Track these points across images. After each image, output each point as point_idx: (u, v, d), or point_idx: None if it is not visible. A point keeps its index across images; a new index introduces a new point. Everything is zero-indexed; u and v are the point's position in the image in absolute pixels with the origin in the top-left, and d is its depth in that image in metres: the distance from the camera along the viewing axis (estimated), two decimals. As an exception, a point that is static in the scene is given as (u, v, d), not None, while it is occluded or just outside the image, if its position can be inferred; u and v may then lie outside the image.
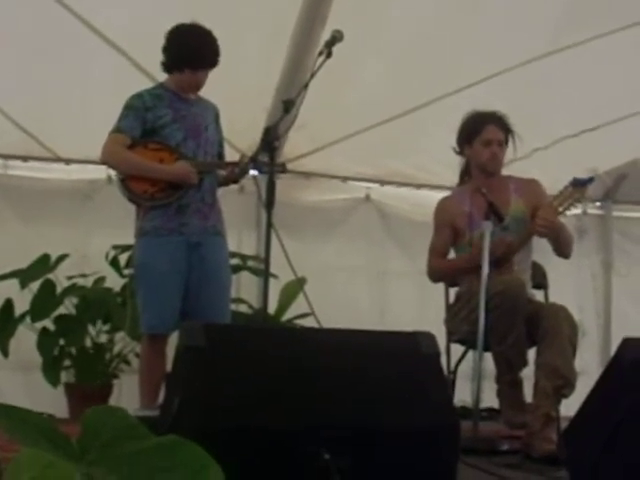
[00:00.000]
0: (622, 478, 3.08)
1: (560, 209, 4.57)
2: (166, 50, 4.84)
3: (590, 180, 4.67)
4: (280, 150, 5.72)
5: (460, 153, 5.07)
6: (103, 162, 4.95)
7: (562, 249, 4.85)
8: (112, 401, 5.99)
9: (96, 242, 6.31)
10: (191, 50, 4.77)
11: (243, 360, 3.12)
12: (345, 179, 7.29)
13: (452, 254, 5.07)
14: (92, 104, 5.99)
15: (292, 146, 6.53)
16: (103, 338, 6.22)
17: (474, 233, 4.79)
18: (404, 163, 7.21)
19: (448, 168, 6.52)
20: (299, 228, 6.68)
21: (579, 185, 4.55)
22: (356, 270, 7.20)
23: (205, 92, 4.94)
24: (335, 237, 7.23)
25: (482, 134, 4.91)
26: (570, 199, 4.56)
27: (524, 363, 4.60)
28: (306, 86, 4.30)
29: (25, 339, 6.02)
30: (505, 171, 5.04)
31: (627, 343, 3.30)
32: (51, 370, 5.95)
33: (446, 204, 5.09)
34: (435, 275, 5.04)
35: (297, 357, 3.22)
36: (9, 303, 6.00)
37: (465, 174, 5.11)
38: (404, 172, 7.30)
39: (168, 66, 4.86)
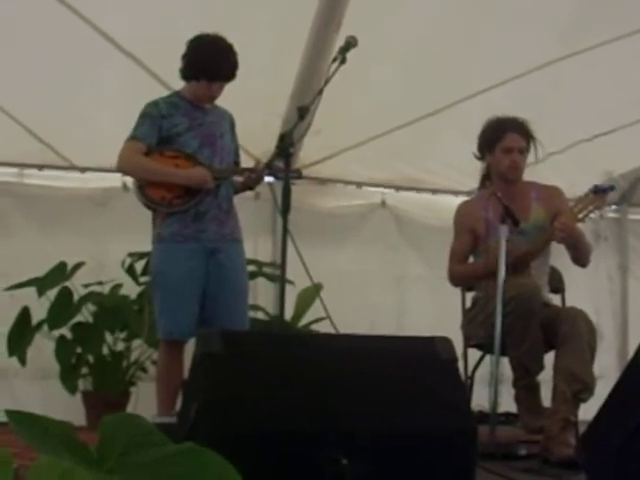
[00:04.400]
0: (641, 482, 3.07)
1: (580, 216, 4.54)
2: (185, 58, 4.84)
3: (611, 188, 4.67)
4: (295, 156, 5.72)
5: (481, 159, 5.03)
6: (119, 169, 4.95)
7: (580, 257, 4.83)
8: (129, 408, 5.99)
9: (112, 250, 6.31)
10: (210, 61, 4.76)
11: (260, 366, 3.12)
12: (360, 185, 7.28)
13: (472, 259, 5.07)
14: (107, 112, 6.01)
15: (307, 152, 6.53)
16: (120, 346, 6.22)
17: (491, 240, 4.77)
18: (419, 168, 7.20)
19: (462, 173, 6.55)
20: (315, 234, 6.65)
21: (600, 192, 4.54)
22: (372, 276, 7.19)
23: (220, 99, 4.94)
24: (351, 243, 7.21)
25: (503, 141, 4.86)
26: (590, 206, 4.54)
27: (540, 367, 4.59)
28: (320, 92, 4.28)
29: (43, 347, 6.04)
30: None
31: (645, 346, 3.29)
32: (69, 378, 5.95)
33: (466, 209, 5.06)
34: (455, 280, 5.03)
35: (314, 363, 3.22)
36: (26, 311, 6.01)
37: (486, 179, 5.08)
38: (419, 177, 7.29)
39: (185, 74, 4.86)
